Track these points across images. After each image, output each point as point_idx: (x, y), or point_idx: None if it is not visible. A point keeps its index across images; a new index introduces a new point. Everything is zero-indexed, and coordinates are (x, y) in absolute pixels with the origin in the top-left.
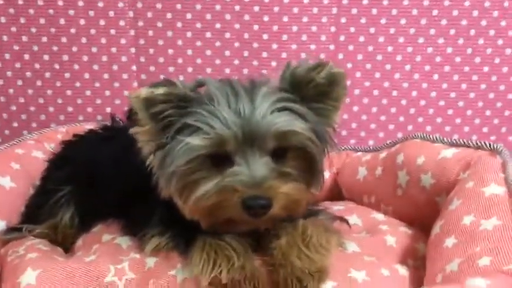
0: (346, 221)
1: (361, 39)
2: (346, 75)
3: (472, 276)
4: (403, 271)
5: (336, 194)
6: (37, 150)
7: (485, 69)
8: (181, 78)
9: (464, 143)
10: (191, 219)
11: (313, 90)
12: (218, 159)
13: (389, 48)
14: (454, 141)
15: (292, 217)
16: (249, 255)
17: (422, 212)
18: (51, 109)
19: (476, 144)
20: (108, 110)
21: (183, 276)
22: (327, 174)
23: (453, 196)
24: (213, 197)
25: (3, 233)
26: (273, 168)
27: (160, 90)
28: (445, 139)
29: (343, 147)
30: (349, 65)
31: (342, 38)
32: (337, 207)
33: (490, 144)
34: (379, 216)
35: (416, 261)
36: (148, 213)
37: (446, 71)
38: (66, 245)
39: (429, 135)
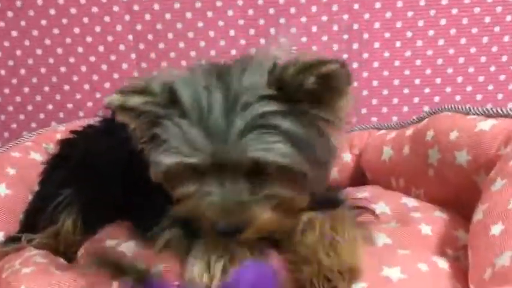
0: (373, 212)
1: (377, 5)
2: (345, 75)
3: None
4: (442, 263)
5: (359, 177)
6: (35, 152)
7: None
8: (184, 63)
9: (503, 112)
10: None
11: (305, 96)
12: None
13: (409, 14)
14: (492, 111)
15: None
16: (264, 254)
17: (459, 194)
18: (50, 107)
19: None
20: None
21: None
22: (348, 157)
23: (495, 176)
24: (188, 210)
25: (1, 245)
26: (251, 191)
27: (134, 101)
28: (480, 109)
29: (364, 126)
30: (366, 35)
31: (356, 6)
32: (362, 194)
33: None
34: (410, 202)
35: (457, 251)
36: (156, 210)
37: (474, 33)
38: (69, 254)
39: (461, 107)
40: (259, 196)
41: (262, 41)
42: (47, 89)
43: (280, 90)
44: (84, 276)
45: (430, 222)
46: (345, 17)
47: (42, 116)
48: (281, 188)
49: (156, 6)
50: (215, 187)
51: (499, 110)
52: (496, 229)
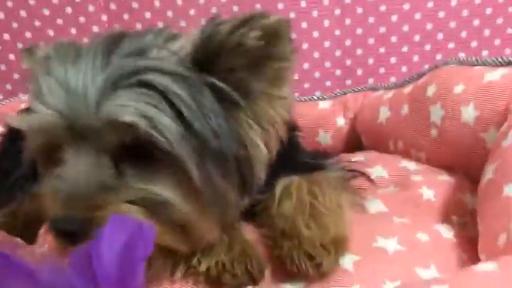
0: (366, 175)
1: None
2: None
3: None
4: (446, 232)
5: (355, 143)
6: None
7: None
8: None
9: None
10: None
11: (242, 61)
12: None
13: None
14: (501, 60)
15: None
16: (237, 229)
17: (465, 154)
18: (16, 76)
19: None
20: None
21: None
22: (341, 121)
23: (507, 129)
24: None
25: None
26: (117, 177)
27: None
28: (487, 60)
29: (358, 88)
30: None
31: None
32: (355, 159)
33: None
34: (410, 165)
35: (464, 217)
36: None
37: None
38: (28, 234)
39: (467, 58)
40: (124, 185)
41: None
42: (12, 57)
43: (207, 55)
44: (35, 255)
45: (432, 185)
46: None
47: (8, 86)
48: (163, 183)
49: None
50: (69, 165)
51: (510, 58)
52: (509, 189)
